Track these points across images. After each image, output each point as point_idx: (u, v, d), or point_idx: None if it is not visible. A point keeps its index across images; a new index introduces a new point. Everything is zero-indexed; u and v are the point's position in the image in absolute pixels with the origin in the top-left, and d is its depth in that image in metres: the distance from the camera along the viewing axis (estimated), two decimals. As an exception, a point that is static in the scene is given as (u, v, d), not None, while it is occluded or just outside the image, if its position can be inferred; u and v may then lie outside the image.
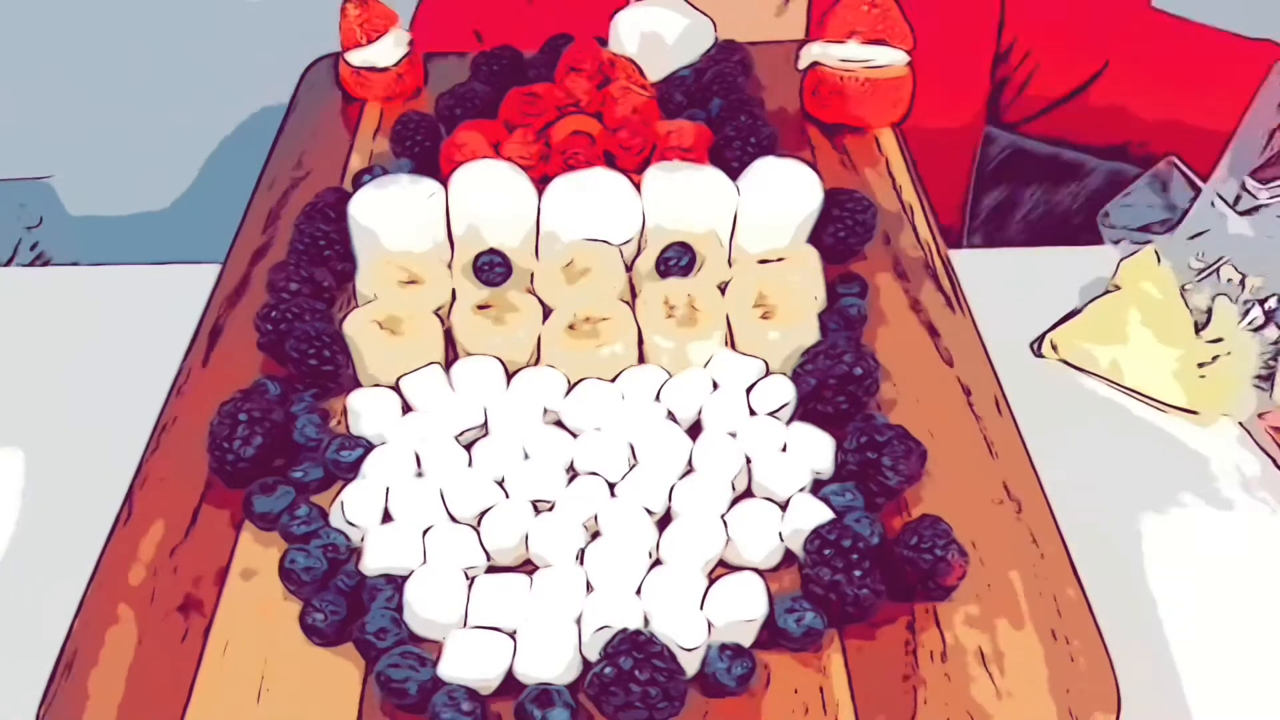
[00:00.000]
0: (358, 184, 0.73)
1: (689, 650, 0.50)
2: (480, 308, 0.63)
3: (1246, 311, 0.72)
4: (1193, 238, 0.76)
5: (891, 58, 0.79)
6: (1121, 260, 0.75)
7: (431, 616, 0.52)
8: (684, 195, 0.68)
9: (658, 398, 0.61)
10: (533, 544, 0.55)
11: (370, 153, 0.80)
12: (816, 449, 0.58)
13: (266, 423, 0.58)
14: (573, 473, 0.58)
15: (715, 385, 0.61)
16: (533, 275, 0.66)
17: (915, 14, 0.78)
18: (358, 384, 0.62)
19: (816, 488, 0.57)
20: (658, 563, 0.54)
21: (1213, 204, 0.76)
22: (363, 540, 0.55)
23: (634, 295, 0.66)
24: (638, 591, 0.53)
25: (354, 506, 0.56)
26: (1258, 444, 0.69)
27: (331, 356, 0.62)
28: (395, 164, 0.76)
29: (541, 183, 0.69)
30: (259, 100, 1.26)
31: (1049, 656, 0.51)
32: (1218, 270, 0.74)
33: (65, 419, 0.71)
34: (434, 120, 0.79)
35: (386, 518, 0.56)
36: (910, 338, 0.66)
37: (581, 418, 0.60)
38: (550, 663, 0.50)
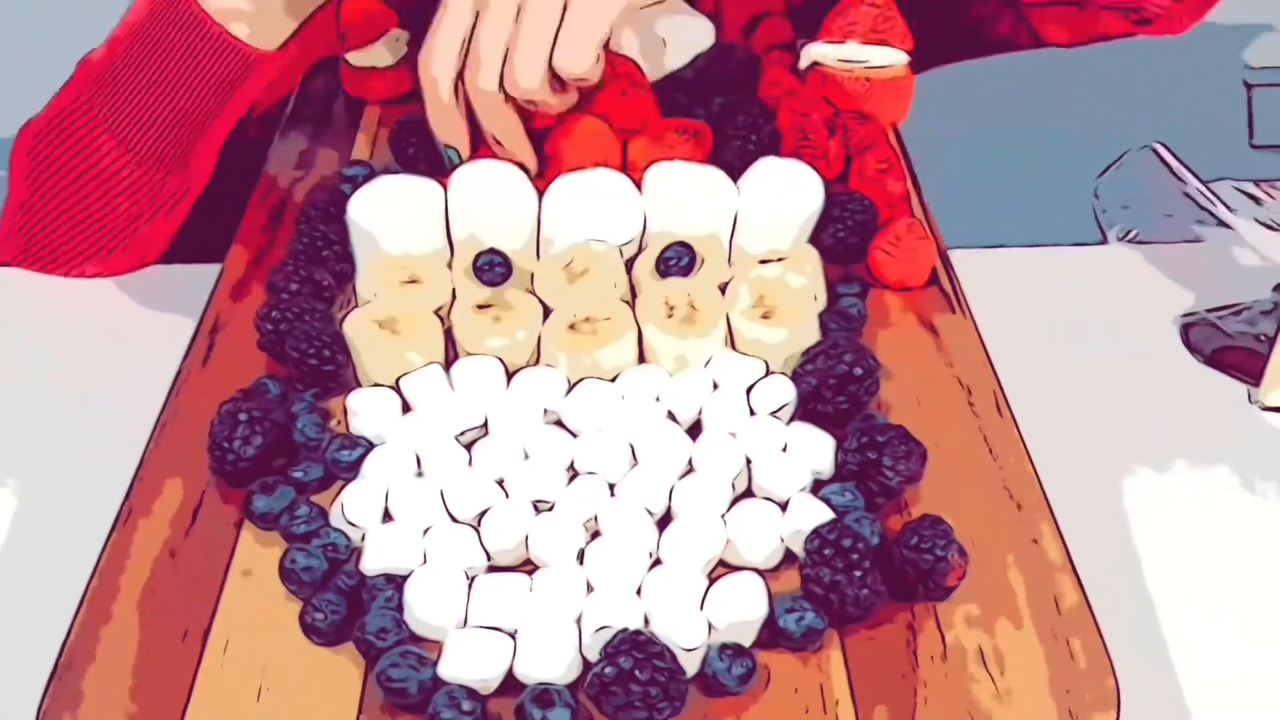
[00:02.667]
0: (342, 180, 0.74)
1: (689, 650, 0.50)
2: (480, 308, 0.63)
3: None
4: None
5: (891, 58, 0.79)
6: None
7: (431, 616, 0.52)
8: (684, 195, 0.68)
9: (658, 398, 0.61)
10: (533, 544, 0.55)
11: (370, 153, 0.80)
12: (816, 449, 0.58)
13: (266, 423, 0.58)
14: (573, 473, 0.58)
15: (715, 385, 0.61)
16: (533, 275, 0.66)
17: None
18: (358, 384, 0.63)
19: (816, 488, 0.57)
20: (658, 563, 0.54)
21: None
22: (363, 540, 0.55)
23: (634, 295, 0.66)
24: (638, 591, 0.53)
25: (354, 506, 0.56)
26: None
27: (331, 356, 0.62)
28: (387, 164, 0.76)
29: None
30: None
31: (1049, 656, 0.51)
32: None
33: (65, 419, 0.71)
34: None
35: (386, 518, 0.56)
36: (910, 338, 0.66)
37: (581, 418, 0.60)
38: (550, 663, 0.50)
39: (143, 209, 0.79)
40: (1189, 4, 0.81)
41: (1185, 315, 0.77)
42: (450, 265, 0.67)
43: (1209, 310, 0.77)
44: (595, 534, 0.55)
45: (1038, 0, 0.86)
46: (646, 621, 0.51)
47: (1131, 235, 0.88)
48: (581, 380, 0.61)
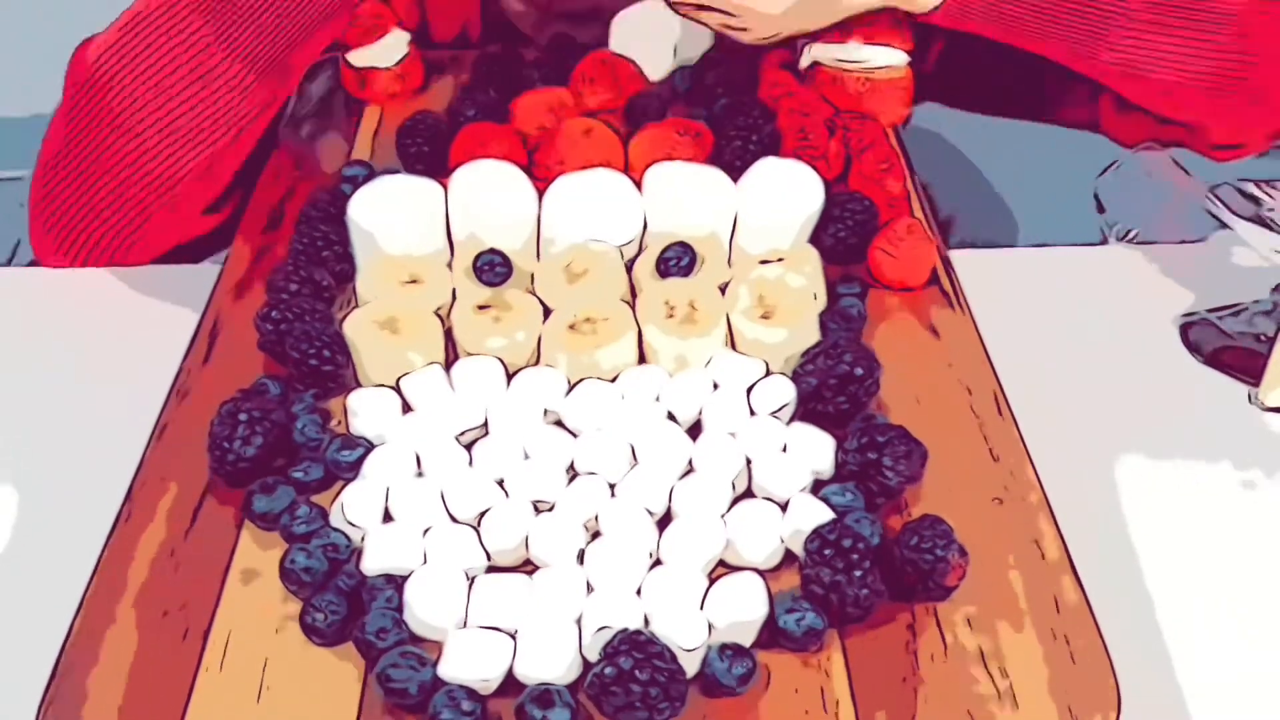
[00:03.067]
0: (342, 180, 0.74)
1: (689, 650, 0.50)
2: (480, 308, 0.63)
3: None
4: None
5: (891, 58, 0.79)
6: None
7: (431, 616, 0.52)
8: (684, 195, 0.68)
9: (658, 398, 0.61)
10: (533, 544, 0.55)
11: (370, 152, 0.80)
12: (817, 449, 0.58)
13: (266, 423, 0.58)
14: (573, 473, 0.58)
15: (715, 385, 0.61)
16: (533, 275, 0.66)
17: None
18: (358, 384, 0.63)
19: (816, 488, 0.57)
20: (658, 563, 0.54)
21: None
22: (363, 540, 0.55)
23: (634, 295, 0.66)
24: (638, 591, 0.53)
25: (354, 506, 0.56)
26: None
27: (331, 356, 0.62)
28: (387, 164, 0.76)
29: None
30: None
31: (1049, 656, 0.51)
32: None
33: (65, 419, 0.71)
34: (442, 121, 0.78)
35: (387, 518, 0.56)
36: (910, 338, 0.66)
37: (581, 418, 0.60)
38: (550, 663, 0.50)
39: (225, 119, 0.76)
40: (1255, 136, 0.83)
41: (1185, 315, 0.77)
42: (450, 265, 0.67)
43: (1209, 310, 0.77)
44: (595, 534, 0.55)
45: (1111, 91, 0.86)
46: (646, 621, 0.51)
47: (1131, 235, 0.88)
48: (581, 380, 0.61)
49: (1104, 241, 0.88)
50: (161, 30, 0.75)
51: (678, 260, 0.65)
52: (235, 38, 0.75)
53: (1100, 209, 0.86)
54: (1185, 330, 0.76)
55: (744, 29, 0.76)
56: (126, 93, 0.75)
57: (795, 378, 0.61)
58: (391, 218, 0.67)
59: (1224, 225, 0.80)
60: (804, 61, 0.81)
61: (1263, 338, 0.73)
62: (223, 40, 0.74)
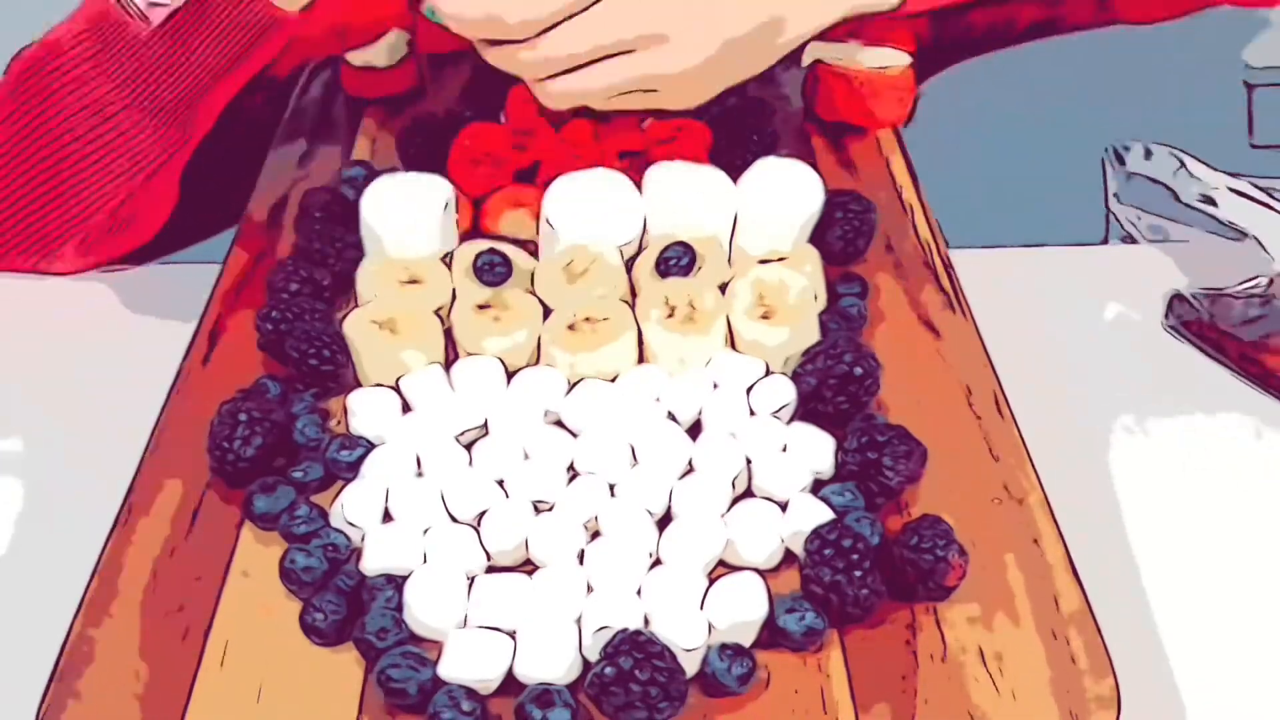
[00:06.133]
0: (342, 180, 0.73)
1: (689, 650, 0.50)
2: (480, 308, 0.63)
3: None
4: None
5: (892, 58, 0.79)
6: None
7: (431, 617, 0.52)
8: (684, 195, 0.68)
9: (658, 398, 0.61)
10: (533, 544, 0.55)
11: (370, 153, 0.80)
12: (817, 449, 0.58)
13: (266, 423, 0.58)
14: (573, 473, 0.58)
15: (715, 385, 0.61)
16: (533, 275, 0.66)
17: None
18: (358, 384, 0.63)
19: (816, 488, 0.57)
20: (658, 563, 0.54)
21: None
22: (363, 540, 0.55)
23: (634, 295, 0.66)
24: (638, 592, 0.53)
25: (354, 506, 0.56)
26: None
27: (332, 356, 0.62)
28: (387, 164, 0.76)
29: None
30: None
31: (1049, 656, 0.51)
32: None
33: (65, 419, 0.71)
34: (442, 121, 0.78)
35: (386, 518, 0.56)
36: (910, 338, 0.66)
37: (581, 418, 0.60)
38: (550, 663, 0.50)
39: (131, 163, 0.76)
40: None
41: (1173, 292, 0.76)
42: (450, 265, 0.67)
43: (1201, 289, 0.76)
44: (595, 534, 0.55)
45: None
46: (646, 621, 0.51)
47: (1137, 234, 0.88)
48: (581, 380, 0.61)
49: (1105, 241, 0.88)
50: (55, 79, 0.75)
51: (678, 260, 0.65)
52: (135, 88, 0.74)
53: (1108, 205, 0.85)
54: (1171, 303, 0.76)
55: (668, 103, 0.69)
56: (36, 119, 0.75)
57: (795, 378, 0.61)
58: (403, 216, 0.67)
59: (1228, 224, 0.80)
60: (805, 59, 0.81)
61: (1248, 321, 0.73)
62: (121, 90, 0.74)
